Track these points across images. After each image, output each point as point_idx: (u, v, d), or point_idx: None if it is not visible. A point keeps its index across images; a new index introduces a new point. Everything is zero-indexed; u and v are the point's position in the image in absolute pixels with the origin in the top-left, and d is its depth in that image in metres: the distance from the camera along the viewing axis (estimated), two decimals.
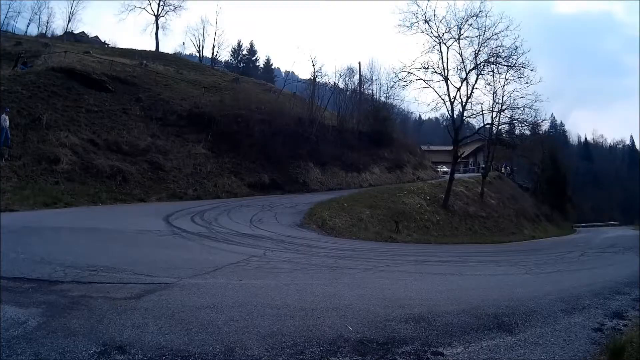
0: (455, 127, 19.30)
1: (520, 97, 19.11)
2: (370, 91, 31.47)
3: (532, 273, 6.25)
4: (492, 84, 19.79)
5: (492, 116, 20.66)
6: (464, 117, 19.80)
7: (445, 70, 18.74)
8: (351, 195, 17.65)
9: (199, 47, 42.07)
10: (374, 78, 32.41)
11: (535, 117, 19.97)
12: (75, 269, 4.33)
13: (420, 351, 2.75)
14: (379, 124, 27.32)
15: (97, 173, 14.00)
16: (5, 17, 37.89)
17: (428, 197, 18.97)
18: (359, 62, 52.71)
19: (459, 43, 18.64)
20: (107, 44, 41.20)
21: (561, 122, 70.22)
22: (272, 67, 55.80)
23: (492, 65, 18.72)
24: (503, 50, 18.18)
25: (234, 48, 49.80)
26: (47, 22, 44.37)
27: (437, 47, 18.71)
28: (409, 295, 4.36)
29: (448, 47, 18.71)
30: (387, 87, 29.66)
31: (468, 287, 4.99)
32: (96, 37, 44.16)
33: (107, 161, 14.70)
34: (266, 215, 12.67)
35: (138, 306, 3.26)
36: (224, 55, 47.56)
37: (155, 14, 39.34)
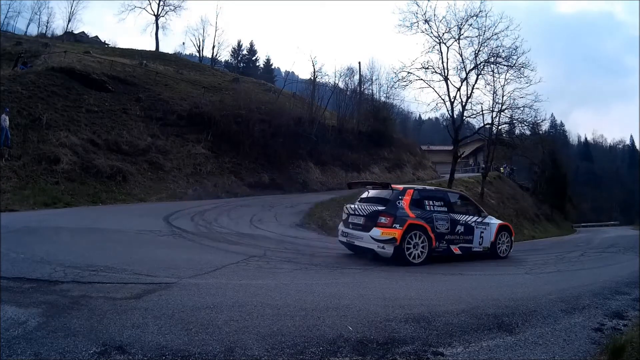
0: (455, 127, 19.29)
1: (520, 97, 19.13)
2: (370, 91, 31.44)
3: (532, 273, 6.25)
4: (492, 84, 19.78)
5: (492, 116, 20.65)
6: (464, 117, 19.80)
7: (445, 70, 18.75)
8: (351, 195, 17.60)
9: (199, 47, 42.14)
10: (374, 78, 32.40)
11: (535, 117, 19.97)
12: (75, 269, 4.34)
13: (420, 351, 2.75)
14: (378, 124, 27.31)
15: (97, 173, 14.00)
16: (5, 17, 37.93)
17: None
18: (359, 62, 52.85)
19: (459, 43, 18.66)
20: (107, 44, 41.20)
21: (561, 122, 70.27)
22: (272, 67, 55.80)
23: (492, 65, 18.73)
24: (503, 50, 18.20)
25: (234, 48, 49.82)
26: (47, 22, 44.49)
27: (437, 47, 18.72)
28: (409, 295, 4.35)
29: (448, 47, 18.72)
30: (387, 87, 29.65)
31: (468, 287, 4.98)
32: (96, 37, 44.18)
33: (107, 161, 14.70)
34: (266, 215, 12.66)
35: (138, 306, 3.26)
36: (224, 55, 47.65)
37: (155, 14, 39.43)
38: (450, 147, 22.64)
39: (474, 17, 18.14)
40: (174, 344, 2.57)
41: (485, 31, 18.09)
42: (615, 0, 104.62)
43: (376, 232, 6.23)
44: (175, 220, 9.83)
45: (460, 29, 18.35)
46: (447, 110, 19.49)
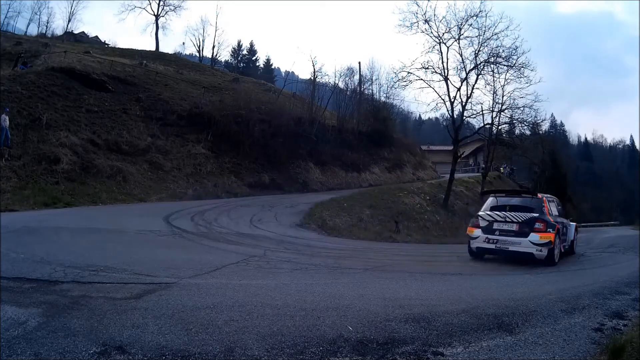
0: (455, 127, 19.32)
1: (520, 97, 19.17)
2: (370, 91, 31.42)
3: (532, 273, 6.25)
4: (492, 84, 19.81)
5: (492, 116, 20.68)
6: (464, 117, 19.84)
7: (445, 70, 18.79)
8: (351, 195, 17.66)
9: (199, 47, 42.05)
10: (374, 78, 32.32)
11: (535, 117, 20.01)
12: (75, 269, 4.34)
13: (420, 351, 2.75)
14: (379, 124, 27.32)
15: (97, 173, 14.00)
16: (5, 17, 37.87)
17: (428, 197, 19.00)
18: (359, 62, 52.85)
19: (459, 43, 18.70)
20: (107, 44, 41.15)
21: (561, 122, 70.12)
22: (272, 67, 55.73)
23: (492, 65, 18.78)
24: (503, 50, 18.24)
25: (234, 48, 49.72)
26: (47, 22, 44.31)
27: (437, 47, 18.77)
28: (409, 295, 4.36)
29: (448, 47, 18.76)
30: (387, 87, 29.64)
31: (468, 287, 4.99)
32: (96, 37, 44.11)
33: (107, 161, 14.70)
34: (266, 215, 12.66)
35: (138, 306, 3.26)
36: (224, 55, 47.52)
37: (155, 14, 39.37)
38: (450, 147, 22.66)
39: (474, 17, 18.20)
40: (174, 344, 2.57)
41: (485, 31, 18.14)
42: (615, 0, 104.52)
43: (535, 237, 6.79)
44: (175, 220, 9.83)
45: (460, 29, 18.41)
46: (447, 110, 19.54)
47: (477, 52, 18.53)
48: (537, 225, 6.86)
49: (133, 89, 20.05)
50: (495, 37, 18.00)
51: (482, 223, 7.41)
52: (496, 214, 7.36)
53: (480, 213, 7.67)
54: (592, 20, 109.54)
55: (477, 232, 7.43)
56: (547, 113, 63.94)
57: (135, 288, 3.80)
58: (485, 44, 18.30)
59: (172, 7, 39.97)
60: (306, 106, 25.60)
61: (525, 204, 7.49)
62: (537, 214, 7.10)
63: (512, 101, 19.87)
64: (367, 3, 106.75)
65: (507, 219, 7.16)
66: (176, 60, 34.02)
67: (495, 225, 7.21)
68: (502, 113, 20.49)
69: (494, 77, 19.44)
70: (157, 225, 8.86)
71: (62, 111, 15.82)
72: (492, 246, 7.17)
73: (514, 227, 7.01)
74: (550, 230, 6.86)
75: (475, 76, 19.03)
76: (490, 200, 7.95)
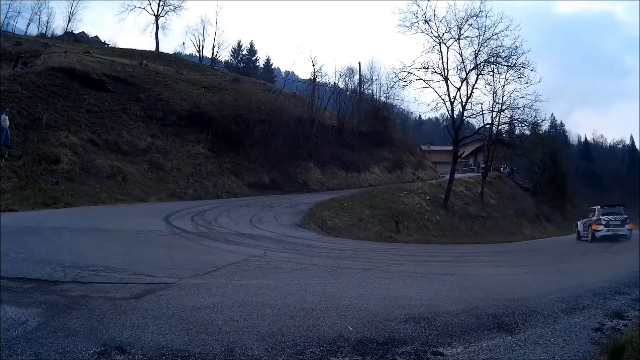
0: (455, 127, 19.31)
1: (520, 97, 19.20)
2: (370, 91, 31.39)
3: (533, 273, 6.26)
4: (492, 84, 19.84)
5: (492, 116, 20.71)
6: (464, 117, 19.83)
7: (445, 70, 18.78)
8: (351, 195, 17.66)
9: (199, 47, 41.89)
10: (374, 78, 32.26)
11: (535, 117, 20.08)
12: (75, 269, 4.34)
13: (420, 351, 2.75)
14: (378, 124, 27.33)
15: (97, 173, 14.00)
16: (5, 17, 37.77)
17: (428, 197, 18.98)
18: (359, 62, 52.76)
19: (459, 43, 18.70)
20: (107, 44, 41.05)
21: (561, 122, 69.74)
22: (272, 67, 55.56)
23: (492, 65, 18.79)
24: (503, 50, 18.26)
25: (234, 48, 49.56)
26: (47, 22, 44.11)
27: (437, 47, 18.76)
28: (409, 295, 4.36)
29: (448, 47, 18.75)
30: (387, 87, 29.62)
31: (468, 287, 4.99)
32: (96, 37, 43.99)
33: (107, 161, 14.70)
34: (266, 215, 12.67)
35: (138, 306, 3.26)
36: (224, 55, 47.34)
37: (155, 14, 39.26)
38: (450, 147, 22.65)
39: (474, 17, 18.20)
40: (174, 344, 2.57)
41: (485, 31, 18.15)
42: (616, 0, 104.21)
43: (627, 226, 13.15)
44: (175, 220, 9.83)
45: (460, 29, 18.41)
46: (447, 110, 19.54)
47: (477, 52, 18.55)
48: (627, 220, 13.17)
49: (133, 89, 20.03)
50: (495, 37, 18.03)
51: (603, 222, 13.21)
52: (609, 217, 13.28)
53: (601, 217, 13.34)
54: (592, 20, 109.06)
55: (601, 227, 13.18)
56: (547, 113, 63.90)
57: (135, 288, 3.79)
58: (485, 44, 18.33)
59: (172, 7, 39.86)
60: (306, 106, 25.60)
61: (616, 210, 13.61)
62: (626, 216, 13.37)
63: (512, 101, 19.92)
64: (367, 3, 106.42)
65: (616, 219, 13.12)
66: (176, 60, 33.99)
67: (611, 223, 13.07)
68: (502, 113, 20.54)
69: (494, 77, 19.49)
70: (157, 225, 8.86)
71: (62, 111, 15.82)
72: (610, 233, 13.01)
73: (619, 223, 13.03)
74: (631, 222, 13.23)
75: (475, 76, 19.05)
76: (599, 209, 13.74)
